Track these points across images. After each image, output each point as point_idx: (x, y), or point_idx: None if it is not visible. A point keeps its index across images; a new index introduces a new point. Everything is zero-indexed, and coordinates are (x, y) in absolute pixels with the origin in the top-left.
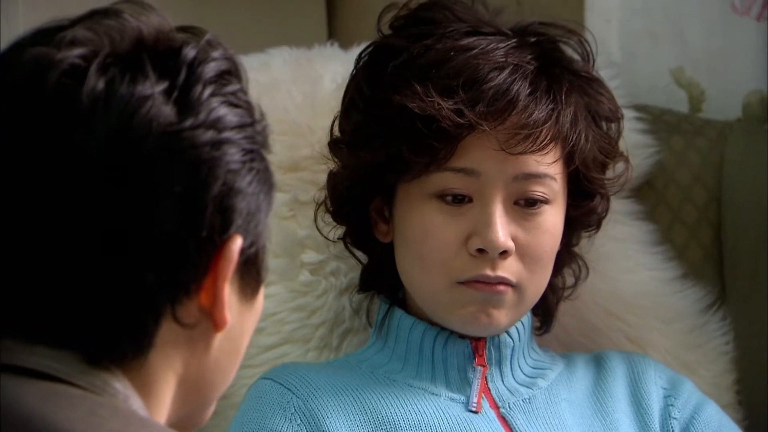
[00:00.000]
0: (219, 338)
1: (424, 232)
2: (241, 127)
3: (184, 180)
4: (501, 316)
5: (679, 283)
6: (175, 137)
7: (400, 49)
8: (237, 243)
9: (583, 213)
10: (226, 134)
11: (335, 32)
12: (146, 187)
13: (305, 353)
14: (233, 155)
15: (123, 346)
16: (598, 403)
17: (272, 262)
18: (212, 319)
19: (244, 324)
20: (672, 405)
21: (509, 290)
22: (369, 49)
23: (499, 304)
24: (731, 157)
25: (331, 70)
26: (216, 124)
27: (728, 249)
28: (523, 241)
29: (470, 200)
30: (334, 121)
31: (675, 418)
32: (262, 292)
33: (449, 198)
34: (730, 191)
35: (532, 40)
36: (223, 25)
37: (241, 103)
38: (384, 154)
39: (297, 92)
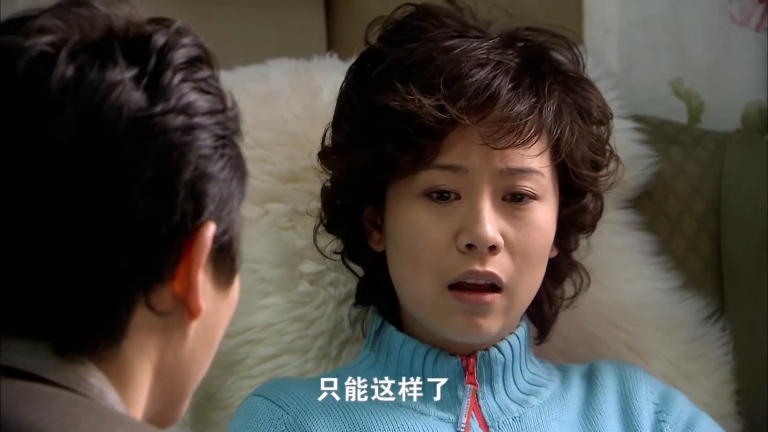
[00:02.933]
0: (194, 327)
1: (414, 232)
2: (212, 113)
3: (156, 165)
4: (490, 324)
5: (679, 293)
6: (146, 122)
7: (385, 54)
8: (210, 229)
9: (575, 211)
10: (197, 119)
11: (334, 43)
12: (117, 173)
13: (304, 363)
14: (205, 140)
15: (96, 334)
16: (588, 422)
17: (271, 273)
18: (187, 307)
19: (218, 314)
20: (664, 421)
21: (497, 297)
22: (356, 60)
23: (487, 313)
24: (730, 168)
25: (330, 81)
26: (186, 110)
27: (727, 260)
28: (513, 237)
29: (458, 197)
30: (324, 134)
31: None
32: (237, 282)
33: (436, 195)
34: (729, 202)
35: (520, 44)
36: (223, 36)
37: (212, 89)
38: (371, 155)
39: (296, 103)
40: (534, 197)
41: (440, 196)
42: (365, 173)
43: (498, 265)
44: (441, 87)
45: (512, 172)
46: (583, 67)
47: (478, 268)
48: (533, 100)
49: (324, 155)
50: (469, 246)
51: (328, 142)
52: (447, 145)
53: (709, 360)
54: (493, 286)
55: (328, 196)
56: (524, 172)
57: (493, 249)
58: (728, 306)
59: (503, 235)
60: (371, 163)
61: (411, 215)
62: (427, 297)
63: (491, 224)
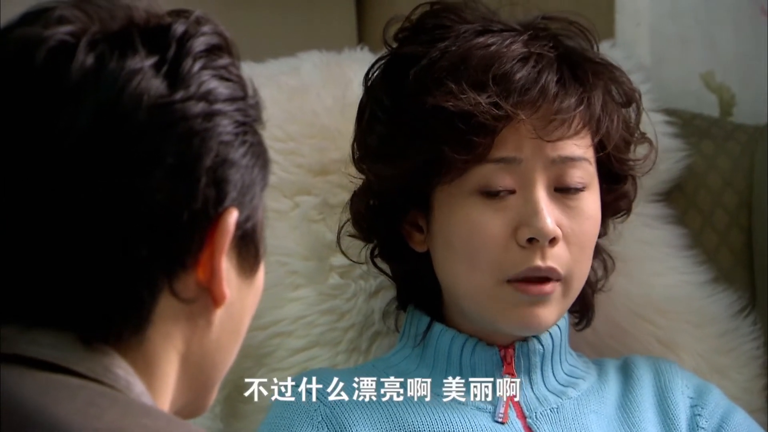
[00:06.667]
0: (219, 315)
1: (470, 230)
2: (232, 99)
3: (176, 152)
4: (549, 313)
5: (710, 287)
6: (166, 110)
7: (417, 55)
8: (233, 215)
9: (617, 197)
10: (218, 106)
11: (365, 36)
12: (138, 160)
13: (334, 356)
14: (225, 127)
15: (121, 322)
16: (625, 414)
17: (302, 265)
18: (211, 294)
19: (244, 301)
20: (699, 414)
21: (556, 286)
22: (380, 64)
23: (546, 303)
24: (762, 161)
25: (361, 74)
26: (207, 96)
27: (759, 254)
28: (568, 228)
29: (512, 191)
30: (353, 144)
31: (703, 428)
32: (262, 270)
33: (492, 192)
34: (760, 196)
35: (542, 34)
36: (254, 29)
37: (232, 77)
38: (422, 158)
39: (327, 96)
40: (584, 187)
41: (494, 192)
42: (413, 176)
43: (557, 258)
44: (491, 84)
45: (564, 160)
46: (597, 50)
47: (539, 263)
48: (580, 91)
49: (361, 162)
50: (530, 240)
51: (356, 150)
52: (498, 141)
53: (740, 354)
54: (553, 272)
55: (366, 200)
56: (575, 160)
57: (553, 241)
58: (759, 300)
59: (559, 226)
60: (422, 165)
61: (465, 213)
62: (484, 292)
63: (550, 216)
